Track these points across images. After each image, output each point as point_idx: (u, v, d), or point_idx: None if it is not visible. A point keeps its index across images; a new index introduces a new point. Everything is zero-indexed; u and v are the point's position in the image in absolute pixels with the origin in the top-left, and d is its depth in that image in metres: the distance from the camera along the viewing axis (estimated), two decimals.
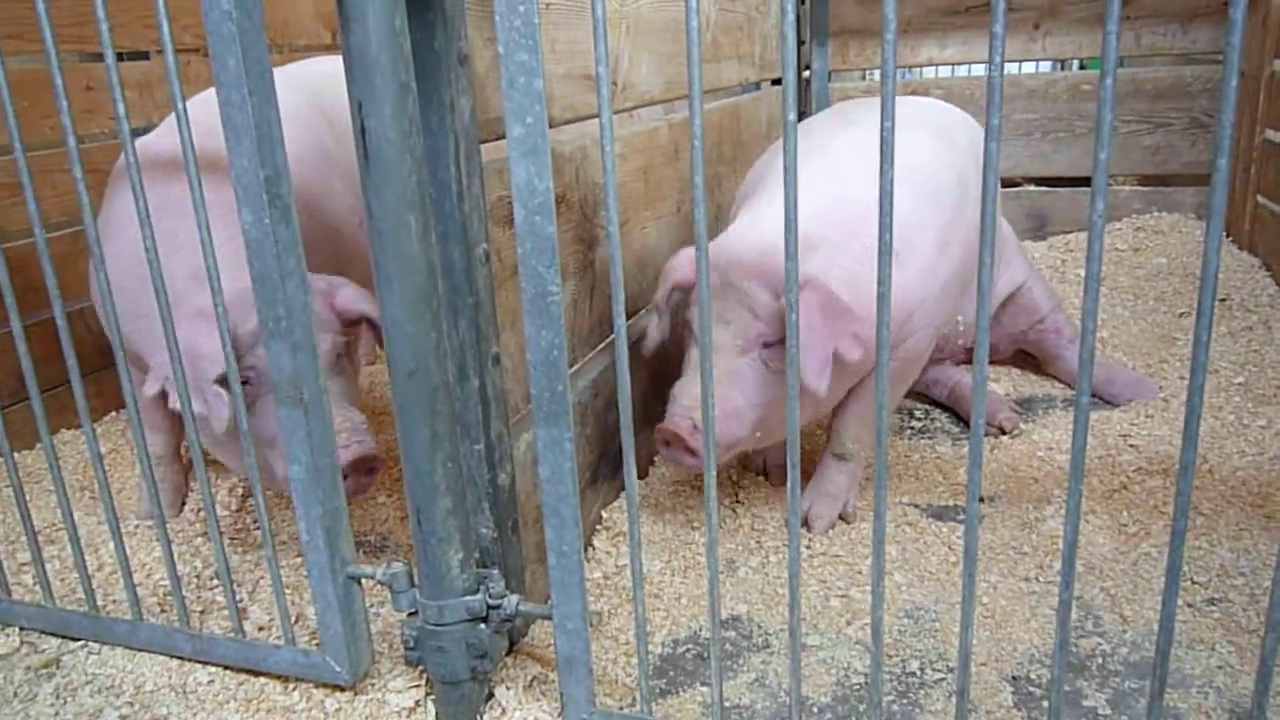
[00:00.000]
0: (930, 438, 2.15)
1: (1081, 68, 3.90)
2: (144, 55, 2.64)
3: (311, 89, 1.86)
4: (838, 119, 1.96)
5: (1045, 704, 1.30)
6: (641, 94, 1.79)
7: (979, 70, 3.88)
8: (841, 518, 1.80)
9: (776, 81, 3.16)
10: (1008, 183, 3.37)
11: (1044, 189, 3.33)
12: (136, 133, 1.32)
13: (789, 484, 1.03)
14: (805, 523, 1.78)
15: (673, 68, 1.92)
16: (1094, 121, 3.05)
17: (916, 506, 1.85)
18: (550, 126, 1.03)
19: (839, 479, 1.80)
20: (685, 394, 1.59)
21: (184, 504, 1.94)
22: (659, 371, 1.82)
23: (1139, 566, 1.60)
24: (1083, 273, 3.02)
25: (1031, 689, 1.34)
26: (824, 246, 1.59)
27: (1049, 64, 3.66)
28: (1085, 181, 3.33)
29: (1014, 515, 1.79)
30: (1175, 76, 3.08)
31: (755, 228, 1.62)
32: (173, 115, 1.22)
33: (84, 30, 2.25)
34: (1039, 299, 2.31)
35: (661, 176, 1.92)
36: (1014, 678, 1.37)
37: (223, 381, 1.33)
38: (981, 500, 1.85)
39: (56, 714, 1.37)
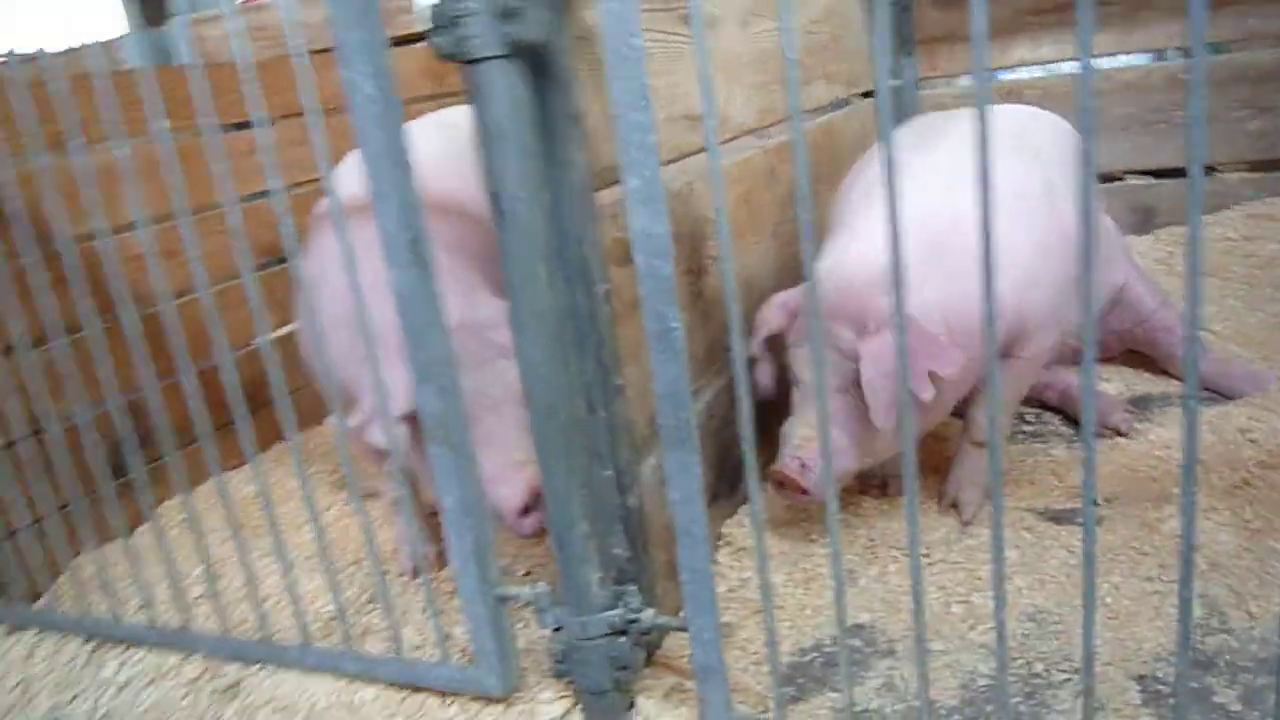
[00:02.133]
0: (1044, 441, 2.16)
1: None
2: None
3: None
4: (912, 136, 1.99)
5: (1172, 702, 1.32)
6: (737, 125, 1.88)
7: (1074, 68, 3.84)
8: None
9: (866, 95, 3.21)
10: (1109, 178, 3.32)
11: (1148, 181, 3.27)
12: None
13: (906, 495, 1.09)
14: (954, 506, 1.87)
15: (764, 97, 2.00)
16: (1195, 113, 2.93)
17: (1033, 511, 1.87)
18: None
19: (980, 464, 1.87)
20: (794, 434, 1.65)
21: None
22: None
23: (1265, 562, 1.59)
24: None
25: (1159, 687, 1.36)
26: (907, 274, 1.62)
27: (1146, 56, 3.60)
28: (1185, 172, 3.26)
29: (1133, 515, 1.79)
30: (1278, 59, 3.01)
31: (837, 267, 1.66)
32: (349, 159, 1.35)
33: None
34: (1143, 296, 2.29)
35: (761, 201, 2.00)
36: (1140, 676, 1.39)
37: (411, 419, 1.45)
38: (1099, 503, 1.86)
39: None
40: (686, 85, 1.64)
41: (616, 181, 1.17)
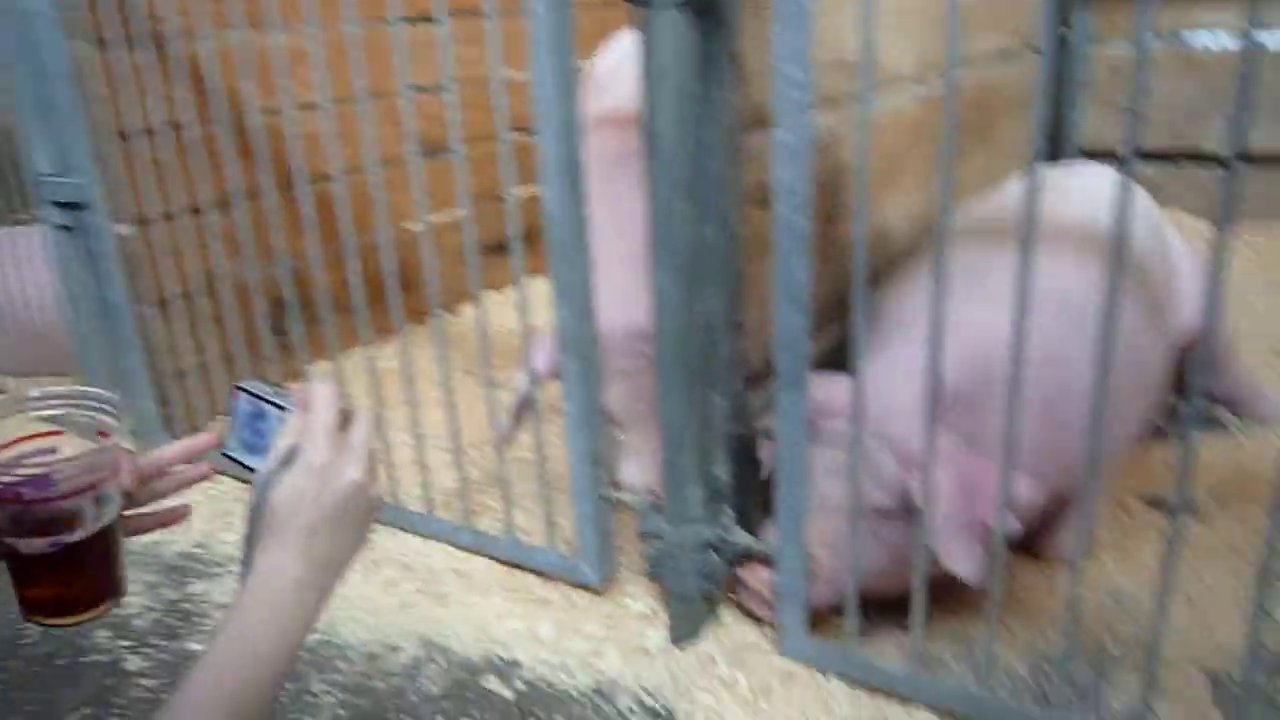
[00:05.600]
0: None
1: None
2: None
3: None
4: (995, 221, 1.71)
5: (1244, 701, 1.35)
6: (892, 72, 1.88)
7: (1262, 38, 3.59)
8: None
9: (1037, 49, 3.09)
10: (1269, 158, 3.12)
11: None
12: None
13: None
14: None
15: (924, 41, 1.98)
16: None
17: (1137, 494, 1.88)
18: None
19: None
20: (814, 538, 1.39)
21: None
22: None
23: None
24: None
25: (1232, 687, 1.39)
26: (967, 402, 1.39)
27: None
28: None
29: (1237, 515, 1.79)
30: None
31: (890, 378, 1.42)
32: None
33: None
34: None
35: (905, 154, 2.00)
36: (1213, 671, 1.42)
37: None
38: (1192, 506, 1.85)
39: (365, 580, 1.70)
40: (845, 30, 1.64)
41: (764, 124, 1.22)
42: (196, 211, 2.08)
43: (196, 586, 1.73)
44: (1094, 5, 3.14)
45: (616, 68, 1.87)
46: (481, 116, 2.27)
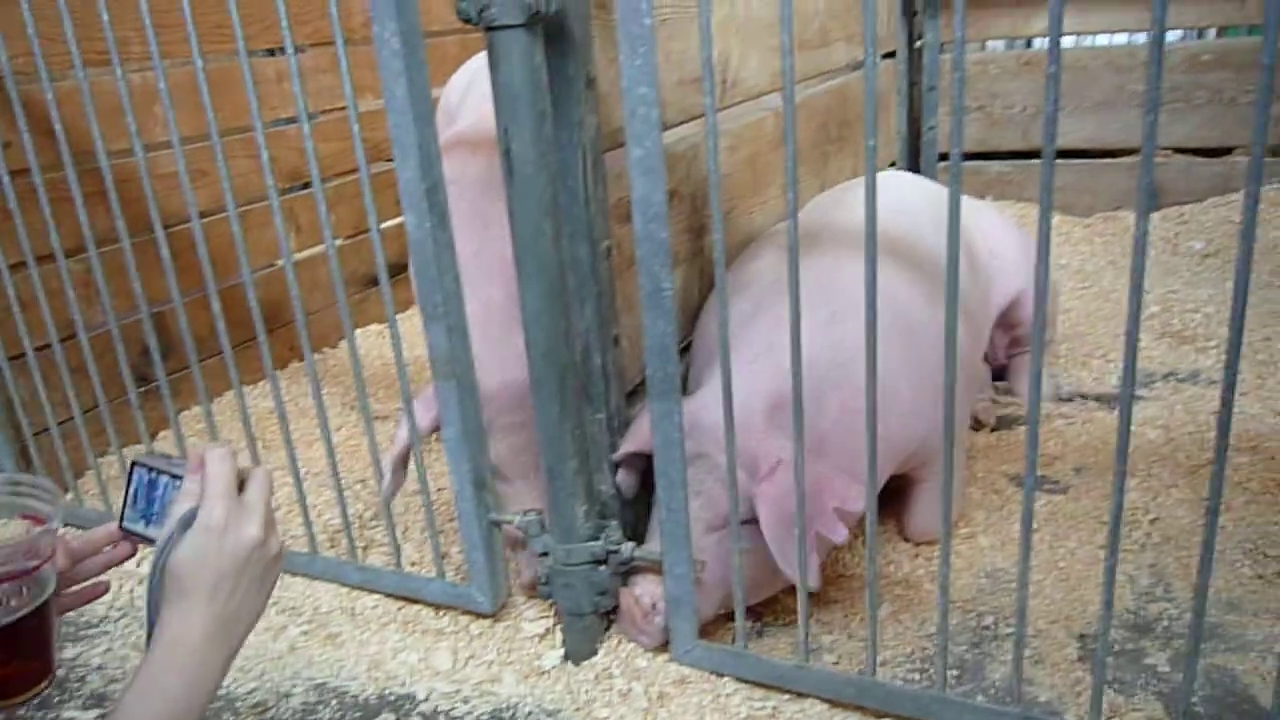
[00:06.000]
0: (1021, 411, 2.25)
1: (1219, 36, 3.77)
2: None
3: None
4: (825, 230, 1.79)
5: (1107, 660, 1.43)
6: (749, 88, 1.94)
7: (1094, 41, 3.84)
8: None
9: (888, 55, 3.23)
10: (1123, 152, 3.35)
11: (1160, 159, 3.30)
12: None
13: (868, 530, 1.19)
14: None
15: (780, 59, 2.04)
16: (1212, 92, 3.05)
17: (1005, 475, 1.97)
18: (665, 129, 1.20)
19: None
20: (644, 580, 1.46)
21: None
22: None
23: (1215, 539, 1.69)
24: (1195, 245, 3.03)
25: (1096, 646, 1.47)
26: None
27: (1178, 33, 3.60)
28: (1201, 152, 3.30)
29: (1099, 487, 1.89)
30: None
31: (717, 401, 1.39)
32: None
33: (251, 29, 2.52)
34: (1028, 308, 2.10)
35: (768, 163, 2.06)
36: (1081, 636, 1.50)
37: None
38: (1052, 479, 1.96)
39: None
40: (699, 50, 1.69)
41: (623, 142, 1.25)
42: (48, 259, 1.99)
43: (69, 651, 1.65)
44: (943, 15, 3.30)
45: (464, 93, 1.88)
46: (346, 147, 2.23)
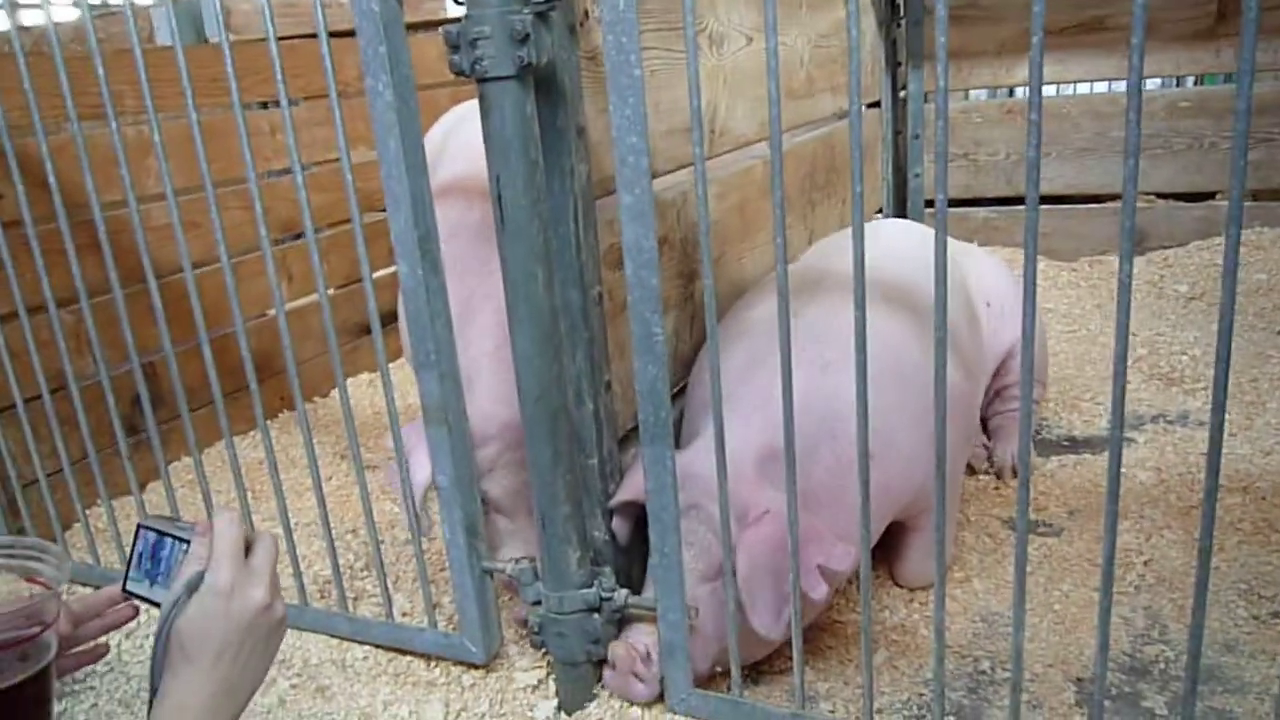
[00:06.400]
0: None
1: (1196, 83, 3.85)
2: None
3: None
4: (821, 279, 1.78)
5: (1105, 704, 1.42)
6: (737, 137, 1.97)
7: (1073, 90, 3.92)
8: None
9: (873, 105, 3.29)
10: (1106, 197, 3.40)
11: (1142, 204, 3.35)
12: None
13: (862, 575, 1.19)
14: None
15: (767, 110, 2.08)
16: (1191, 139, 3.09)
17: (999, 519, 1.97)
18: (655, 177, 1.22)
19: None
20: (638, 629, 1.44)
21: None
22: None
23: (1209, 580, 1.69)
24: (1181, 289, 3.06)
25: (1093, 690, 1.46)
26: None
27: (1154, 82, 3.67)
28: (1183, 197, 3.35)
29: (1092, 529, 1.89)
30: (1276, 92, 3.08)
31: (709, 451, 1.38)
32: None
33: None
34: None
35: (757, 209, 2.09)
36: (1078, 679, 1.49)
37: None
38: (1046, 522, 1.96)
39: None
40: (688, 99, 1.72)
41: (613, 190, 1.27)
42: (40, 310, 1.99)
43: (56, 706, 1.61)
44: (926, 65, 3.37)
45: (441, 144, 1.90)
46: (340, 198, 2.24)
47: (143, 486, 2.28)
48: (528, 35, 1.17)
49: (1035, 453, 2.24)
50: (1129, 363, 2.48)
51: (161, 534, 0.98)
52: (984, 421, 2.27)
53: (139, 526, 1.00)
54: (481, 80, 1.20)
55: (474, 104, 1.96)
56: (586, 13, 1.33)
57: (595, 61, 1.37)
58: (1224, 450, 2.12)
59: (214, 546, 0.93)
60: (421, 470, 1.51)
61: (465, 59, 1.18)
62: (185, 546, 0.96)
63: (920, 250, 2.02)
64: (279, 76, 1.36)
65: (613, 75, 1.16)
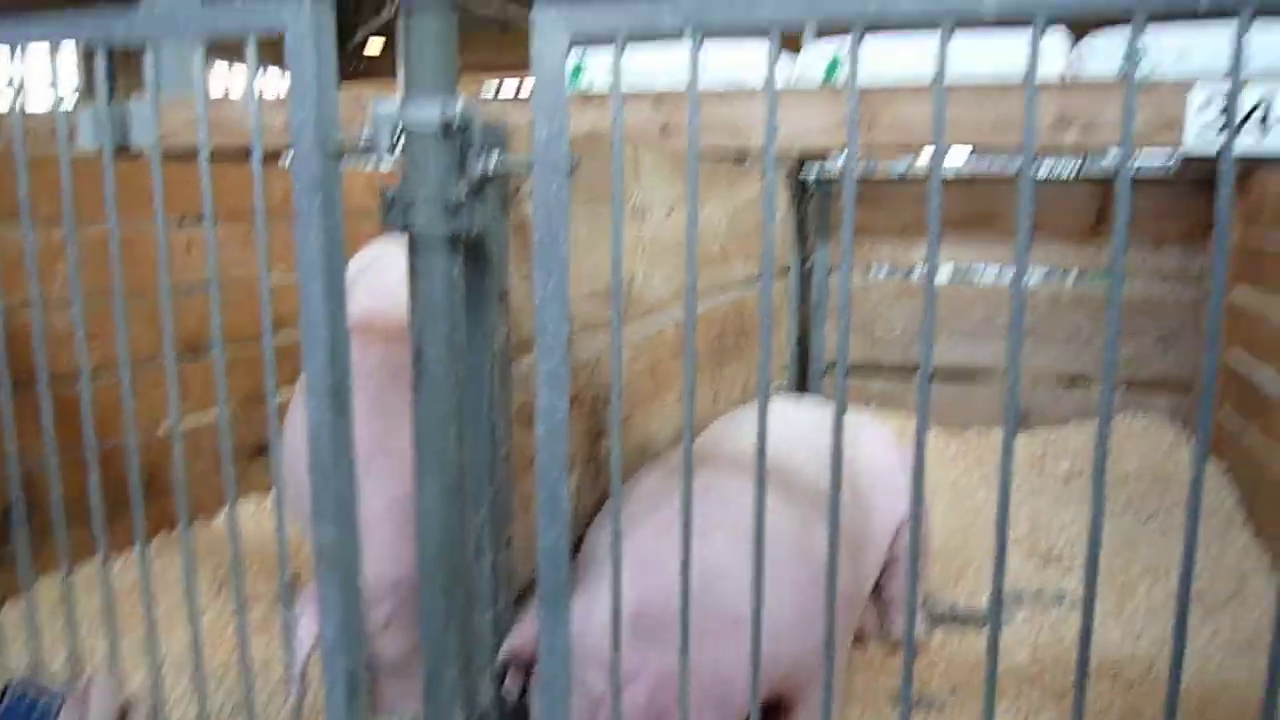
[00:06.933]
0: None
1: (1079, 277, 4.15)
2: None
3: None
4: (709, 456, 1.82)
5: None
6: (652, 303, 2.05)
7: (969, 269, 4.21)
8: None
9: (785, 270, 3.47)
10: (993, 375, 3.61)
11: (1026, 384, 3.57)
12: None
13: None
14: None
15: (683, 277, 2.18)
16: (1071, 329, 3.31)
17: (885, 692, 2.00)
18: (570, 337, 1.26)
19: None
20: None
21: None
22: None
23: None
24: (1063, 467, 3.23)
25: None
26: (659, 631, 1.42)
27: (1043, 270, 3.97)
28: (1064, 380, 3.58)
29: (973, 706, 1.93)
30: (1146, 292, 3.37)
31: (593, 613, 1.45)
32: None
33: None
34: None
35: (667, 370, 2.16)
36: None
37: None
38: (930, 697, 2.00)
39: None
40: (608, 265, 1.80)
41: (530, 350, 1.30)
42: None
43: None
44: (831, 239, 3.58)
45: (355, 278, 1.92)
46: (248, 317, 2.22)
47: (1, 603, 2.15)
48: (462, 205, 1.22)
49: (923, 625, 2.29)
50: (1009, 539, 2.60)
51: (30, 695, 0.94)
52: (878, 590, 2.32)
53: (6, 684, 0.95)
54: (412, 239, 1.24)
55: (388, 242, 2.00)
56: (518, 188, 1.39)
57: (523, 229, 1.43)
58: (1096, 636, 2.22)
59: (87, 715, 0.90)
60: (310, 632, 1.47)
61: (398, 219, 1.23)
62: (57, 711, 0.92)
63: (805, 429, 2.09)
64: (207, 195, 1.37)
65: (539, 251, 1.21)
